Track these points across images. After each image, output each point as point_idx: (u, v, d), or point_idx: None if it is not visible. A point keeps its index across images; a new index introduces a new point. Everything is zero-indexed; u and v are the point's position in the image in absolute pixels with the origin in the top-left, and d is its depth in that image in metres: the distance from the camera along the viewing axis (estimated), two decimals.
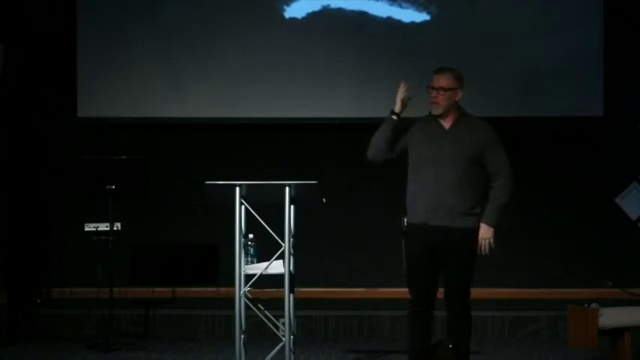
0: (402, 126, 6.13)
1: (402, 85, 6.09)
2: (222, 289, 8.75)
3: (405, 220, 6.10)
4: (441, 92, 6.04)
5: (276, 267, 6.32)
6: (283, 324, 6.33)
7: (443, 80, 6.05)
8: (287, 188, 6.21)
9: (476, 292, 6.19)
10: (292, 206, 6.28)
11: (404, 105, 6.08)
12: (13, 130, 9.03)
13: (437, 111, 6.07)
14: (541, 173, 9.04)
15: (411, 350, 6.18)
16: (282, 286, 6.25)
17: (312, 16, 9.08)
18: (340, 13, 9.06)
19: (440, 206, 5.99)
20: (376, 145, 6.12)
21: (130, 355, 7.73)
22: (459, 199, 5.99)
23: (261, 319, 6.44)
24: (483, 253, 6.04)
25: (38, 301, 8.94)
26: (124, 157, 8.08)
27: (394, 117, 6.08)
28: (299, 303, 6.65)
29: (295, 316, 6.40)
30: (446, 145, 6.03)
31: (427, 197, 6.02)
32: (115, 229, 8.01)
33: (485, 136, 6.06)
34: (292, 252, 6.27)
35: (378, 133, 6.11)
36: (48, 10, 9.16)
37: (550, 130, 9.11)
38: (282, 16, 9.09)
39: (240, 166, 8.91)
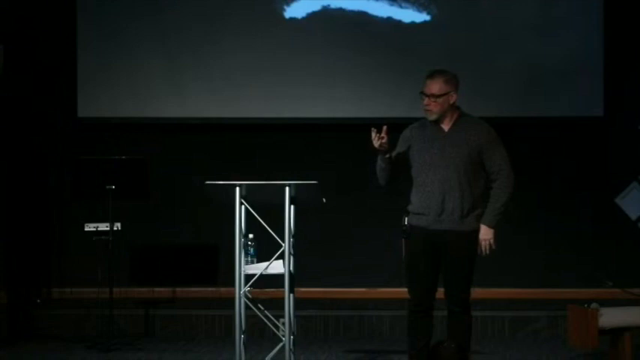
0: (401, 149, 6.12)
1: (373, 135, 5.93)
2: (222, 289, 8.76)
3: (406, 219, 6.10)
4: (433, 99, 6.02)
5: (276, 267, 6.32)
6: (283, 324, 6.33)
7: (434, 86, 6.01)
8: (287, 188, 6.21)
9: (476, 292, 6.20)
10: (292, 206, 6.28)
11: (384, 145, 5.95)
12: (13, 130, 9.04)
13: (431, 117, 6.05)
14: (541, 173, 9.05)
15: (411, 350, 6.18)
16: (282, 286, 6.26)
17: (312, 16, 9.09)
18: (340, 13, 9.07)
19: (442, 210, 5.99)
20: (381, 177, 6.13)
21: (130, 355, 7.73)
22: (461, 201, 5.99)
23: (261, 319, 6.44)
24: (484, 254, 6.03)
25: (38, 301, 8.95)
26: (124, 157, 8.08)
27: (386, 156, 6.02)
28: (299, 303, 6.65)
29: (295, 316, 6.40)
30: (445, 147, 6.02)
31: (429, 202, 6.01)
32: (115, 229, 8.01)
33: (482, 136, 6.04)
34: (292, 252, 6.27)
35: (378, 169, 6.10)
36: (48, 10, 9.16)
37: (550, 130, 9.12)
38: (282, 16, 9.09)
39: (240, 166, 8.92)
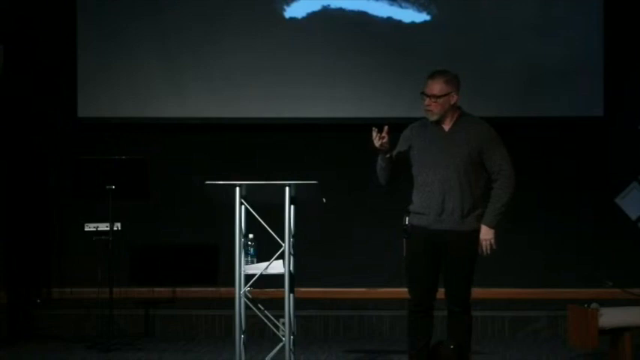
0: (401, 148, 6.13)
1: (374, 134, 5.94)
2: (222, 289, 8.76)
3: (407, 219, 6.10)
4: (434, 100, 6.02)
5: (276, 267, 6.32)
6: (283, 324, 6.33)
7: (435, 87, 6.01)
8: (287, 188, 6.21)
9: (476, 292, 6.20)
10: (292, 206, 6.28)
11: (384, 146, 5.96)
12: (13, 130, 9.04)
13: (432, 118, 6.05)
14: (541, 173, 9.05)
15: (411, 350, 6.18)
16: (282, 286, 6.26)
17: (312, 16, 9.09)
18: (340, 13, 9.07)
19: (442, 210, 5.99)
20: (382, 176, 6.14)
21: (130, 355, 7.73)
22: (461, 201, 5.98)
23: (261, 319, 6.44)
24: (485, 254, 6.03)
25: (38, 301, 8.95)
26: (124, 157, 8.08)
27: (387, 156, 6.03)
28: (299, 303, 6.65)
29: (295, 316, 6.40)
30: (445, 147, 6.02)
31: (429, 201, 6.01)
32: (115, 229, 8.01)
33: (481, 136, 6.04)
34: (292, 252, 6.27)
35: (378, 168, 6.11)
36: (48, 10, 9.16)
37: (550, 130, 9.11)
38: (282, 16, 9.09)
39: (240, 166, 8.92)
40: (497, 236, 6.03)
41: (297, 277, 6.37)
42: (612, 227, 9.06)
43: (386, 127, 5.94)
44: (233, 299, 6.29)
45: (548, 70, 8.95)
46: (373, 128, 5.94)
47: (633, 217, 9.11)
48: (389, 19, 9.06)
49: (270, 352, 6.48)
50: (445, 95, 6.01)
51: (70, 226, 9.03)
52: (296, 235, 6.34)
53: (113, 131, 9.12)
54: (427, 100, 6.03)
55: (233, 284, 6.28)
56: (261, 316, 6.43)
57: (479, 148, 6.01)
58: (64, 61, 9.12)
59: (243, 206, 6.28)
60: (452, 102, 6.04)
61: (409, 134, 6.15)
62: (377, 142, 5.94)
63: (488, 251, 6.03)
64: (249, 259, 6.34)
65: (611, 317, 6.66)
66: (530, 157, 8.95)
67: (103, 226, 8.05)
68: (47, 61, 9.16)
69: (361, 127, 6.68)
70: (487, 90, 8.89)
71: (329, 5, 9.08)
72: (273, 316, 6.49)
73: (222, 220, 6.86)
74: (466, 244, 6.01)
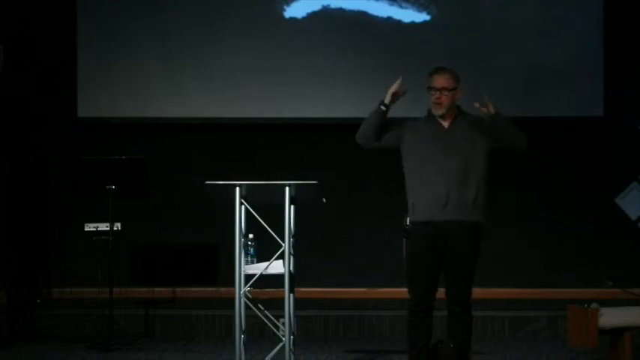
0: (395, 124, 6.18)
1: (397, 81, 6.08)
2: (222, 289, 8.76)
3: (408, 219, 6.10)
4: (444, 92, 6.04)
5: (276, 267, 6.32)
6: (283, 324, 6.33)
7: (445, 80, 6.05)
8: (287, 188, 6.21)
9: (476, 292, 6.19)
10: (292, 206, 6.28)
11: (394, 98, 6.09)
12: (13, 130, 9.04)
13: (440, 111, 6.08)
14: (541, 173, 9.04)
15: (411, 350, 6.18)
16: (282, 286, 6.26)
17: (312, 16, 9.09)
18: (340, 13, 9.07)
19: (446, 201, 5.99)
20: (365, 130, 6.19)
21: (130, 355, 7.73)
22: (464, 192, 5.99)
23: (261, 319, 6.44)
24: (484, 106, 5.97)
25: (38, 301, 8.95)
26: (124, 157, 8.08)
27: (383, 107, 6.11)
28: (299, 303, 6.65)
29: (295, 316, 6.40)
30: (447, 143, 6.04)
31: (432, 193, 6.01)
32: (115, 229, 8.01)
33: (477, 122, 6.07)
34: (292, 252, 6.27)
35: (367, 121, 6.19)
36: (48, 10, 9.16)
37: (550, 130, 9.11)
38: (282, 16, 9.09)
39: (240, 166, 8.92)
40: (498, 111, 5.96)
41: (297, 277, 6.37)
42: (612, 227, 9.07)
43: (404, 88, 6.04)
44: (233, 299, 6.28)
45: (548, 70, 8.95)
46: (399, 79, 6.05)
47: (633, 217, 9.12)
48: (389, 19, 9.06)
49: (270, 352, 6.47)
50: (454, 89, 6.06)
51: (70, 226, 9.04)
52: (296, 235, 6.34)
53: (113, 131, 9.12)
54: (437, 94, 6.05)
55: (233, 284, 6.28)
56: (261, 316, 6.43)
57: (479, 130, 6.04)
58: (64, 61, 9.13)
59: (243, 206, 6.28)
60: (457, 97, 6.10)
61: (409, 124, 6.19)
62: (395, 88, 6.04)
63: (489, 107, 5.95)
64: (249, 259, 6.34)
65: (611, 317, 6.66)
66: (530, 157, 8.90)
67: (103, 226, 8.05)
68: (47, 61, 9.16)
69: None
70: (487, 90, 8.71)
71: (329, 5, 9.08)
72: (273, 316, 6.49)
73: (222, 220, 6.86)
74: (467, 236, 5.99)
